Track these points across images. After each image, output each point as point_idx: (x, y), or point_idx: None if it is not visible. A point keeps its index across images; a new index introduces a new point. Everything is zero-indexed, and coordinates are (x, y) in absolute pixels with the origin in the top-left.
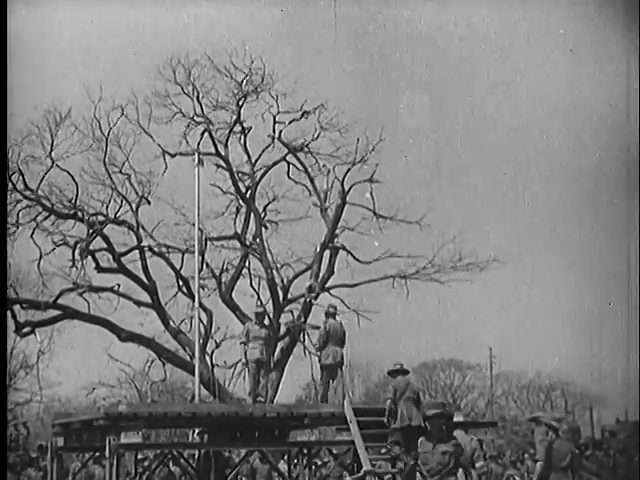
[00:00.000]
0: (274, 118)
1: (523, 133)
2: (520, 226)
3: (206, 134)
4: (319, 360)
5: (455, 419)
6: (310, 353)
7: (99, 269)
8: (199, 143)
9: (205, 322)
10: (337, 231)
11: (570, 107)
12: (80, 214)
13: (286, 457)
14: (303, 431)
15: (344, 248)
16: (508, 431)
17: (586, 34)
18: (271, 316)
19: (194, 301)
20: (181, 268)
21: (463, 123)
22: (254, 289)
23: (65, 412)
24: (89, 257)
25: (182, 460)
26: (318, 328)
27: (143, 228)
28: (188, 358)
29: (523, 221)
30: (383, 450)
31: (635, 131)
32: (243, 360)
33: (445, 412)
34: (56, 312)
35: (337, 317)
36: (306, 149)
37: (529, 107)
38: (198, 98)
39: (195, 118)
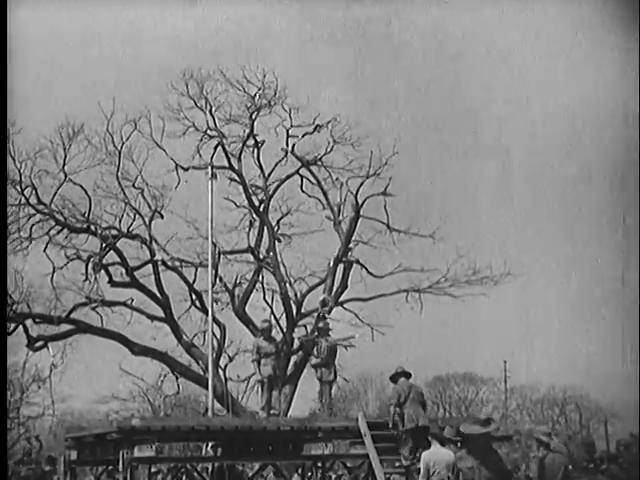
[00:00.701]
0: (287, 132)
1: (536, 146)
2: (534, 240)
3: (219, 148)
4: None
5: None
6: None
7: (112, 283)
8: (212, 157)
9: (218, 336)
10: (351, 245)
11: (591, 115)
12: (93, 228)
13: (300, 471)
14: (317, 444)
15: (358, 262)
16: (522, 445)
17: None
18: (284, 330)
19: (207, 315)
20: (194, 282)
21: (476, 135)
22: (267, 303)
23: (78, 426)
24: (102, 271)
25: (195, 474)
26: (315, 342)
27: (156, 242)
28: (201, 372)
29: (537, 234)
30: (397, 464)
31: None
32: (258, 377)
33: (492, 432)
34: (69, 326)
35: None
36: (319, 162)
37: (541, 118)
38: (211, 112)
39: (208, 132)
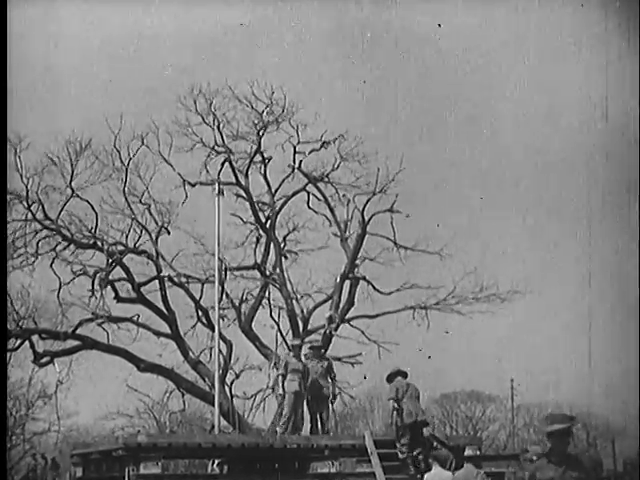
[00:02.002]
0: (294, 148)
1: (548, 160)
2: (543, 257)
3: (226, 164)
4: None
5: (466, 453)
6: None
7: (118, 299)
8: (219, 173)
9: (225, 352)
10: (357, 261)
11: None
12: (100, 244)
13: None
14: (323, 463)
15: (364, 279)
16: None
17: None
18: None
19: (213, 331)
20: (200, 298)
21: (482, 152)
22: (274, 319)
23: (84, 442)
24: (108, 287)
25: None
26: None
27: (163, 258)
28: (207, 389)
29: (546, 252)
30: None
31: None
32: (280, 392)
33: (572, 426)
34: (75, 342)
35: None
36: (326, 179)
37: (554, 131)
38: (219, 128)
39: (216, 148)
